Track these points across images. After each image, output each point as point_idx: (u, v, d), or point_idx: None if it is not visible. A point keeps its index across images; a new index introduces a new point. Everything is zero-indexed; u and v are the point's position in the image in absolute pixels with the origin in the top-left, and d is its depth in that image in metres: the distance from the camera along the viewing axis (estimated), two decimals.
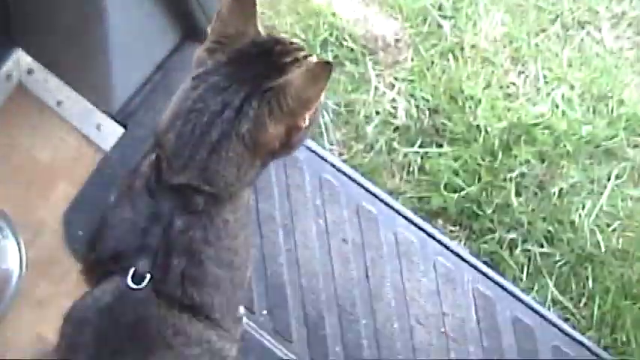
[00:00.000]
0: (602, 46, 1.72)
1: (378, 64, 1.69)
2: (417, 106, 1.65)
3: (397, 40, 1.71)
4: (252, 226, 1.31)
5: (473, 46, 1.69)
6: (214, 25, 0.85)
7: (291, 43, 0.87)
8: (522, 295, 1.44)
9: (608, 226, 1.56)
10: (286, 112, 0.80)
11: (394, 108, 1.66)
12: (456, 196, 1.56)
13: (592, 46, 1.72)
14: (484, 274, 1.44)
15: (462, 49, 1.69)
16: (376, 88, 1.66)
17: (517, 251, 1.54)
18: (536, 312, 1.42)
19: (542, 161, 1.60)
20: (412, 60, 1.69)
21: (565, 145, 1.60)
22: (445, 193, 1.56)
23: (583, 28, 1.74)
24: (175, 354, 0.87)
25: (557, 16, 1.74)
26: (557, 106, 1.64)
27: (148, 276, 0.85)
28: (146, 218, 0.86)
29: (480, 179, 1.58)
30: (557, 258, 1.53)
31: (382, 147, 1.62)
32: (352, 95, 1.66)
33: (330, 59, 1.64)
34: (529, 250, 1.54)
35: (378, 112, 1.65)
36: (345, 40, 1.69)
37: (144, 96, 1.25)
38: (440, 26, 1.71)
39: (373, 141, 1.63)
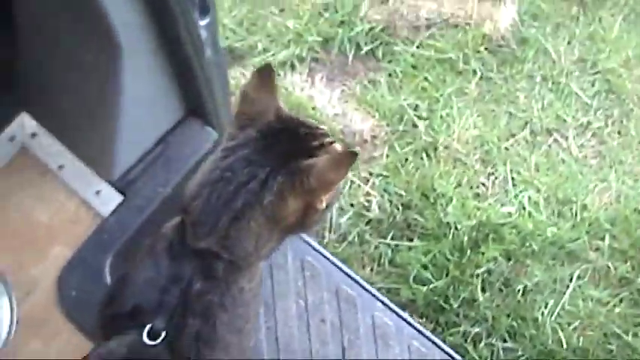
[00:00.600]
0: (568, 153, 2.38)
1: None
2: (390, 201, 2.25)
3: (374, 137, 2.34)
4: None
5: (446, 147, 2.33)
6: (241, 104, 1.17)
7: (317, 127, 1.20)
8: None
9: (569, 324, 2.13)
10: (307, 190, 1.08)
11: (368, 201, 2.25)
12: (424, 289, 2.13)
13: (558, 153, 2.37)
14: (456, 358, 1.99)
15: (436, 148, 2.32)
16: (351, 182, 2.27)
17: (481, 345, 2.09)
18: None
19: (509, 259, 2.19)
20: (387, 156, 2.30)
21: (531, 245, 2.20)
22: (414, 285, 2.13)
23: (551, 135, 2.40)
24: None
25: (527, 123, 2.40)
26: (524, 208, 2.26)
27: (164, 334, 1.11)
28: (167, 278, 1.15)
29: (447, 274, 2.15)
30: (520, 353, 2.08)
31: (355, 238, 2.20)
32: None
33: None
34: (493, 345, 2.09)
35: (352, 205, 2.24)
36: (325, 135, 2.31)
37: (144, 166, 1.66)
38: (415, 126, 2.35)
39: (346, 232, 2.21)
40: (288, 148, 1.13)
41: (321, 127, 1.22)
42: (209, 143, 1.68)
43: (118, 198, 1.70)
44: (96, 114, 1.52)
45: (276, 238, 1.18)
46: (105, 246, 1.66)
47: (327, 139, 1.18)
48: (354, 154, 1.11)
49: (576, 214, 2.28)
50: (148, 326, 1.12)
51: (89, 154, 1.70)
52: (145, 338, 1.11)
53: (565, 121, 2.44)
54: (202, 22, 1.32)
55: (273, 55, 2.46)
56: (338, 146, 1.19)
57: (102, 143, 1.62)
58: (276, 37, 2.50)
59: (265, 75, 1.16)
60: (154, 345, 1.11)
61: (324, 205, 1.14)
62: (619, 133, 2.47)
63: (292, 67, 2.47)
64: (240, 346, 1.24)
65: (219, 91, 1.62)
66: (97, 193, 1.72)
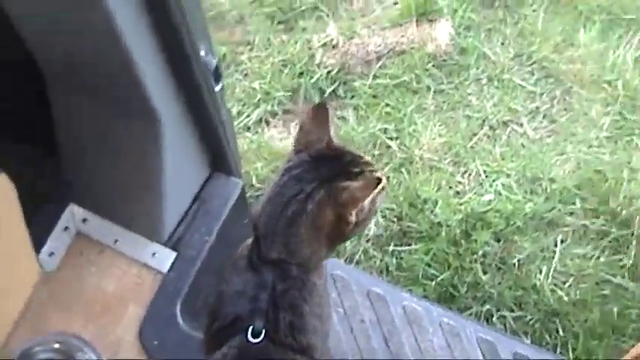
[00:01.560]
0: (526, 138, 2.77)
1: None
2: (384, 217, 2.60)
3: None
4: None
5: (420, 158, 2.70)
6: (299, 132, 1.45)
7: (361, 157, 1.46)
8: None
9: (564, 283, 2.48)
10: (340, 204, 1.34)
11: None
12: (432, 283, 2.47)
13: (518, 139, 2.76)
14: (481, 325, 2.34)
15: (412, 162, 2.69)
16: None
17: (494, 319, 2.43)
18: (531, 347, 2.32)
19: (498, 240, 2.55)
20: None
21: (515, 223, 2.56)
22: (423, 282, 2.48)
23: (507, 126, 2.79)
24: None
25: (484, 120, 2.79)
26: (500, 194, 2.63)
27: (264, 331, 1.38)
28: (253, 288, 1.42)
29: (449, 266, 2.50)
30: (529, 318, 2.42)
31: (361, 256, 2.54)
32: None
33: None
34: (504, 317, 2.43)
35: None
36: None
37: (187, 223, 1.93)
38: (388, 147, 2.72)
39: (353, 253, 2.56)
40: (332, 170, 1.40)
41: (366, 157, 1.48)
42: (237, 190, 2.01)
43: (172, 255, 1.95)
44: (140, 186, 1.79)
45: (325, 245, 1.44)
46: (172, 297, 1.92)
47: (369, 168, 1.44)
48: (379, 180, 1.35)
49: (547, 188, 2.65)
50: (251, 328, 1.39)
51: (139, 224, 1.94)
52: (250, 338, 1.39)
53: (517, 111, 2.83)
54: (217, 88, 1.66)
55: (247, 116, 2.83)
56: (377, 173, 1.43)
57: (149, 211, 1.89)
58: (246, 99, 2.88)
59: (320, 110, 1.45)
60: (259, 342, 1.39)
61: (353, 219, 1.37)
62: (565, 109, 2.87)
63: (267, 122, 2.84)
64: (322, 329, 1.53)
65: (234, 145, 1.95)
66: (153, 255, 1.95)
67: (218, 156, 1.93)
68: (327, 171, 1.40)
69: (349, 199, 1.35)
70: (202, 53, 1.54)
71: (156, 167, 1.71)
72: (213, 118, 1.72)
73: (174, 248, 1.96)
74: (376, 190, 1.34)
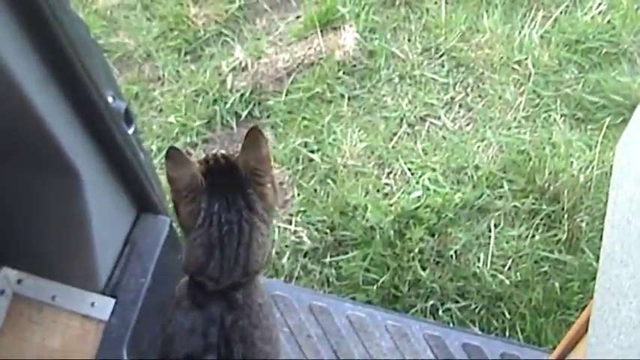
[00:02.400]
0: (446, 130, 2.82)
1: None
2: (317, 229, 2.62)
3: (281, 183, 2.72)
4: None
5: (344, 166, 2.73)
6: (173, 187, 1.49)
7: (217, 154, 1.53)
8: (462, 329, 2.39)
9: (504, 266, 2.53)
10: (261, 173, 1.47)
11: (298, 237, 2.62)
12: (374, 288, 2.49)
13: (438, 133, 2.81)
14: (427, 321, 2.38)
15: (336, 171, 2.72)
16: (278, 227, 2.64)
17: (440, 313, 2.46)
18: (480, 335, 2.36)
19: (433, 235, 2.59)
20: (298, 195, 2.69)
21: (446, 216, 2.60)
22: (365, 288, 2.51)
23: (425, 121, 2.84)
24: None
25: (402, 119, 2.84)
26: (428, 189, 2.67)
27: None
28: (202, 324, 1.46)
29: (388, 268, 2.52)
30: (474, 306, 2.46)
31: (300, 272, 2.56)
32: None
33: None
34: (449, 309, 2.47)
35: (287, 246, 2.61)
36: None
37: (121, 268, 1.93)
38: (311, 160, 2.75)
39: (290, 270, 2.57)
40: (222, 177, 1.49)
41: (220, 151, 1.57)
42: (166, 228, 2.02)
43: (111, 302, 1.94)
44: (69, 240, 1.79)
45: (268, 231, 1.54)
46: (116, 343, 1.91)
47: (220, 156, 1.54)
48: (254, 129, 1.48)
49: (473, 176, 2.70)
50: None
51: (74, 276, 1.95)
52: None
53: (432, 105, 2.89)
54: (130, 131, 1.68)
55: None
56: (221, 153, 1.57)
57: (82, 263, 1.88)
58: (164, 135, 2.88)
59: (173, 155, 1.46)
60: None
61: (268, 181, 1.52)
62: (480, 96, 2.93)
63: (188, 154, 2.84)
64: (273, 351, 1.59)
65: (156, 184, 1.97)
66: (93, 304, 1.95)
67: (142, 197, 1.95)
68: (224, 181, 1.49)
69: (259, 160, 1.49)
70: (110, 99, 1.56)
71: (82, 219, 1.71)
72: (131, 162, 1.74)
73: (112, 295, 1.96)
74: (261, 135, 1.48)
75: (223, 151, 1.58)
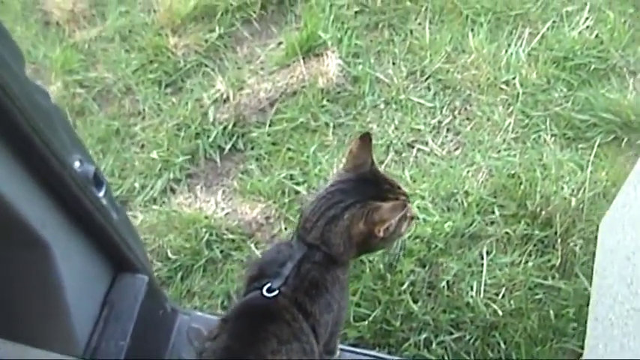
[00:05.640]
0: (434, 156, 2.85)
1: (259, 243, 2.72)
2: None
3: (267, 218, 2.75)
4: None
5: None
6: (348, 156, 1.88)
7: (398, 186, 1.89)
8: None
9: (497, 294, 2.55)
10: (370, 220, 1.74)
11: None
12: (366, 323, 2.52)
13: (426, 159, 2.84)
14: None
15: None
16: None
17: (434, 346, 2.49)
18: None
19: (424, 266, 2.61)
20: (285, 229, 2.72)
21: (437, 246, 2.63)
22: (356, 324, 2.53)
23: (412, 147, 2.87)
24: (290, 330, 1.71)
25: (389, 146, 2.87)
26: (417, 218, 2.70)
27: (277, 291, 1.73)
28: (284, 257, 1.81)
29: (379, 302, 2.55)
30: (468, 337, 2.49)
31: None
32: None
33: (218, 253, 2.65)
34: (443, 341, 2.49)
35: None
36: (225, 234, 2.71)
37: (100, 331, 1.95)
38: (297, 192, 2.78)
39: None
40: (370, 192, 1.82)
41: (402, 187, 1.90)
42: (144, 286, 2.05)
43: None
44: (47, 308, 1.81)
45: (354, 250, 1.84)
46: None
47: (402, 197, 1.86)
48: (405, 205, 1.78)
49: (463, 202, 2.73)
50: (268, 285, 1.75)
51: (53, 343, 1.95)
52: (264, 292, 1.74)
53: (419, 130, 2.92)
54: (100, 194, 1.71)
55: (151, 188, 2.87)
56: (408, 204, 1.85)
57: (60, 329, 1.90)
58: (147, 171, 2.91)
59: (364, 139, 1.86)
60: (270, 297, 1.73)
61: (381, 234, 1.77)
62: (468, 119, 2.97)
63: (172, 190, 2.88)
64: (335, 314, 1.88)
65: (132, 241, 1.99)
66: None
67: (118, 257, 1.99)
68: (366, 191, 1.82)
69: (378, 218, 1.75)
70: (77, 164, 1.59)
71: (56, 287, 1.75)
72: (103, 225, 1.77)
73: (92, 359, 1.99)
74: (401, 213, 1.76)
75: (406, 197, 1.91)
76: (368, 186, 1.85)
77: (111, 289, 2.04)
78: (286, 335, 1.72)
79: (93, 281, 1.99)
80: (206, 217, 2.76)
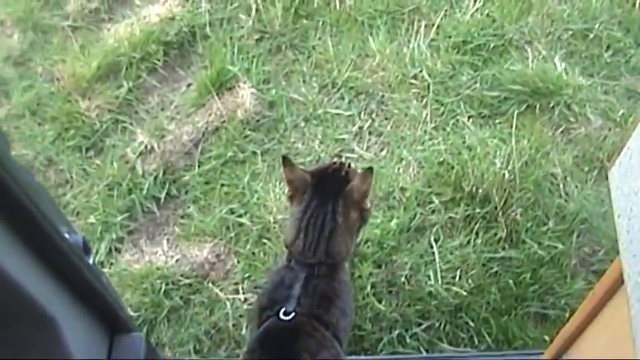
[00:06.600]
0: (362, 160, 2.94)
1: (216, 282, 2.75)
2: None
3: (217, 255, 2.79)
4: None
5: (275, 222, 2.80)
6: (289, 185, 2.06)
7: (338, 163, 2.14)
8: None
9: (454, 277, 2.65)
10: (356, 201, 1.99)
11: (250, 305, 2.69)
12: None
13: (356, 165, 2.90)
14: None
15: (268, 229, 2.79)
16: (227, 299, 2.71)
17: (408, 340, 2.57)
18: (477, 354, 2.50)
19: (379, 266, 2.70)
20: (238, 262, 2.75)
21: (387, 244, 2.71)
22: None
23: (340, 157, 2.95)
24: (316, 341, 1.85)
25: (317, 160, 2.93)
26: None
27: (293, 313, 1.86)
28: (290, 280, 1.96)
29: None
30: (437, 324, 2.58)
31: None
32: (213, 318, 2.68)
33: (178, 300, 2.68)
34: (415, 334, 2.57)
35: (241, 316, 2.67)
36: (180, 281, 2.74)
37: None
38: (241, 224, 2.82)
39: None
40: (331, 186, 2.04)
41: (337, 160, 2.18)
42: (142, 343, 2.06)
43: None
44: None
45: (354, 235, 2.09)
46: None
47: (345, 167, 2.12)
48: (370, 169, 2.02)
49: (401, 199, 2.83)
50: (283, 310, 1.88)
51: None
52: (282, 316, 1.87)
53: (343, 139, 3.01)
54: (90, 260, 1.73)
55: (96, 253, 2.87)
56: (354, 167, 2.18)
57: None
58: (88, 236, 2.89)
59: (287, 163, 2.05)
60: (289, 320, 1.87)
61: (368, 204, 2.05)
62: (386, 119, 3.08)
63: (118, 250, 2.89)
64: (349, 315, 2.05)
65: (120, 300, 2.01)
66: None
67: (113, 319, 2.00)
68: (331, 190, 2.03)
69: (359, 194, 2.01)
70: (67, 235, 1.61)
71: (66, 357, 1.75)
72: (98, 290, 1.79)
73: None
74: (372, 176, 2.01)
75: (346, 161, 2.23)
76: (327, 186, 2.05)
77: (111, 351, 2.04)
78: (314, 347, 1.86)
79: (96, 346, 2.00)
80: (158, 269, 2.78)
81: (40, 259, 1.56)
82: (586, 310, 1.79)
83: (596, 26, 3.37)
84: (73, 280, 1.70)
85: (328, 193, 2.02)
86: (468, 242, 2.72)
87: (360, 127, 3.05)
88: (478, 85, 3.14)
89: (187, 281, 2.73)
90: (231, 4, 3.57)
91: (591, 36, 3.35)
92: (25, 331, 1.67)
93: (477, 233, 2.74)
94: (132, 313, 2.69)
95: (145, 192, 2.97)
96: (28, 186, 1.38)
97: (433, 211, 2.81)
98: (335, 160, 2.10)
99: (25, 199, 1.38)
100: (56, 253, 1.58)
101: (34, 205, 1.42)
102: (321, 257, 1.97)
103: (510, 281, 2.62)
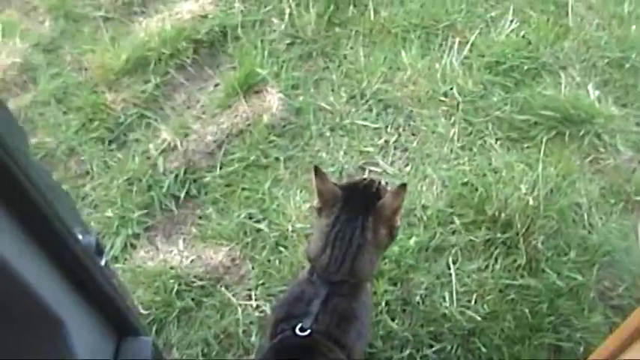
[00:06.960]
0: (386, 175, 2.91)
1: (229, 286, 2.73)
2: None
3: (233, 260, 2.77)
4: None
5: (293, 231, 2.78)
6: (319, 196, 2.00)
7: (368, 179, 2.10)
8: None
9: (469, 301, 2.62)
10: (386, 218, 1.95)
11: (262, 312, 2.68)
12: None
13: (380, 179, 2.90)
14: None
15: (286, 237, 2.77)
16: (240, 305, 2.69)
17: None
18: None
19: (395, 284, 2.67)
20: (253, 268, 2.74)
21: (405, 263, 2.69)
22: None
23: (364, 170, 2.92)
24: None
25: (341, 172, 2.92)
26: None
27: (309, 330, 1.83)
28: (310, 295, 1.92)
29: None
30: (449, 348, 2.55)
31: None
32: (223, 322, 2.66)
33: (190, 301, 2.66)
34: (426, 356, 2.54)
35: (252, 323, 2.66)
36: (193, 282, 2.72)
37: None
38: (259, 230, 2.81)
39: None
40: (362, 201, 2.00)
41: (366, 177, 2.09)
42: (149, 347, 2.04)
43: None
44: None
45: (380, 253, 2.06)
46: None
47: (376, 184, 2.08)
48: (404, 185, 1.99)
49: (422, 217, 2.80)
50: (300, 325, 1.86)
51: None
52: (297, 331, 1.84)
53: (368, 152, 2.98)
54: (103, 262, 1.72)
55: (111, 247, 2.86)
56: (384, 183, 2.14)
57: None
58: (104, 230, 2.90)
59: (319, 173, 2.00)
60: (304, 336, 1.84)
61: (399, 222, 2.02)
62: (413, 134, 3.05)
63: (133, 246, 2.87)
64: (364, 338, 2.04)
65: (130, 304, 1.99)
66: None
67: (122, 322, 1.98)
68: (359, 204, 1.99)
69: (390, 211, 1.97)
70: (80, 237, 1.60)
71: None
72: (109, 293, 1.77)
73: None
74: (404, 193, 1.98)
75: (377, 178, 2.20)
76: (357, 201, 2.00)
77: (117, 354, 2.03)
78: None
79: (102, 348, 1.99)
80: (172, 268, 2.77)
81: (52, 261, 1.54)
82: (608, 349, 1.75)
83: (633, 56, 3.33)
84: (83, 283, 1.69)
85: (358, 209, 1.98)
86: (487, 267, 2.69)
87: (386, 141, 3.02)
88: (508, 107, 3.10)
89: (200, 283, 2.71)
90: (265, 7, 3.56)
91: (627, 65, 3.30)
92: (31, 332, 1.66)
93: (496, 258, 2.71)
94: (142, 311, 2.68)
95: (164, 190, 2.96)
96: (47, 189, 1.36)
97: (453, 232, 2.77)
98: (365, 176, 2.03)
99: (40, 200, 1.37)
100: (69, 256, 1.57)
101: (50, 206, 1.41)
102: (344, 274, 1.93)
103: (526, 310, 2.59)
